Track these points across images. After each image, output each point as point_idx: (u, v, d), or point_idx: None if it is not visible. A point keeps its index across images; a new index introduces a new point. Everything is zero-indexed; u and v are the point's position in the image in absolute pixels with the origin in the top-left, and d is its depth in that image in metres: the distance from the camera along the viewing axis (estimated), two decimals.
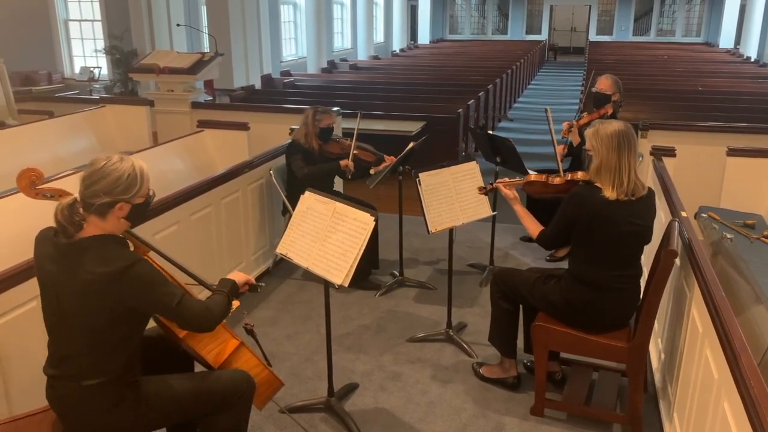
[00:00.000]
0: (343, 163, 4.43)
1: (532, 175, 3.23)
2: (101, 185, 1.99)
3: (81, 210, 2.01)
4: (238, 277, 2.37)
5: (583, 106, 5.09)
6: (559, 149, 4.61)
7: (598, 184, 2.81)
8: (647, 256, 3.13)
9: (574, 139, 4.68)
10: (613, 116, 4.63)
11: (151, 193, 2.12)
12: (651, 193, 2.90)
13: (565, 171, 3.26)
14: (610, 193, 2.76)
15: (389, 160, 4.49)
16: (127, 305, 1.99)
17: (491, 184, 3.39)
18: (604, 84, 4.69)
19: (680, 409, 2.72)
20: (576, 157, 4.75)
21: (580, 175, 2.98)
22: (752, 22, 16.70)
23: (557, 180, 3.11)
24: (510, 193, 3.21)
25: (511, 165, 4.62)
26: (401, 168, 4.45)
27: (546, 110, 4.24)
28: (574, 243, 2.95)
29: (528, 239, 5.36)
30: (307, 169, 4.36)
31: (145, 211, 2.15)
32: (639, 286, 2.96)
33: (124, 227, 2.11)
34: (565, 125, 4.69)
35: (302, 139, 4.44)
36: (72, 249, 1.99)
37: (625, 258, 2.86)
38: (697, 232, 3.47)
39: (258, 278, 4.62)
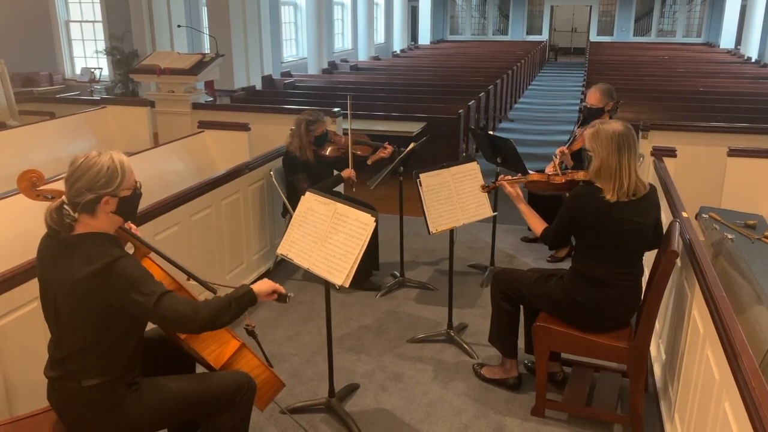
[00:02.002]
0: (345, 174, 4.39)
1: (535, 174, 3.24)
2: (83, 182, 1.98)
3: (70, 211, 2.01)
4: (263, 285, 2.25)
5: (582, 116, 5.08)
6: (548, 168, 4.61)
7: (598, 185, 2.81)
8: (648, 256, 3.13)
9: (568, 162, 4.63)
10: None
11: (137, 185, 2.11)
12: (653, 190, 2.90)
13: (565, 171, 3.27)
14: (610, 196, 2.76)
15: (387, 149, 4.46)
16: (110, 302, 1.97)
17: (494, 182, 3.40)
18: (593, 98, 4.63)
19: (681, 409, 2.72)
20: (576, 158, 4.74)
21: (580, 174, 2.99)
22: (753, 22, 16.69)
23: (558, 179, 3.12)
24: (513, 191, 3.21)
25: (511, 166, 4.62)
26: (402, 169, 4.44)
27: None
28: (577, 240, 2.97)
29: (529, 240, 5.36)
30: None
31: (134, 204, 2.13)
32: (640, 285, 2.96)
33: (117, 223, 2.11)
34: (557, 152, 4.53)
35: (297, 152, 4.38)
36: (63, 247, 1.99)
37: (626, 255, 2.87)
38: (698, 232, 3.46)
39: (258, 279, 4.60)
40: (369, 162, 4.51)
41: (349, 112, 4.43)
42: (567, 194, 3.04)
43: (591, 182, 2.85)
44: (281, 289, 2.30)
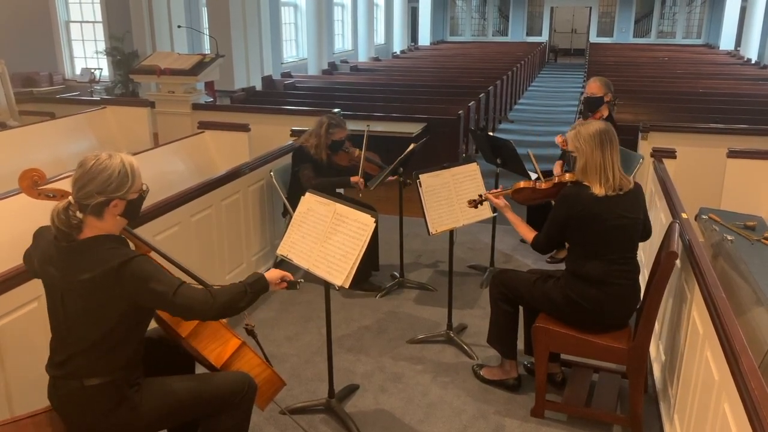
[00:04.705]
0: (354, 179, 4.40)
1: (520, 183, 3.24)
2: (93, 185, 1.99)
3: (77, 212, 2.01)
4: (272, 273, 2.33)
5: (581, 111, 5.11)
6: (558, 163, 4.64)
7: (586, 183, 2.86)
8: (647, 258, 3.14)
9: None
10: (610, 117, 4.63)
11: (144, 187, 2.12)
12: (638, 187, 2.96)
13: (550, 175, 3.30)
14: (598, 190, 2.82)
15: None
16: (127, 302, 2.00)
17: (480, 196, 3.40)
18: (593, 87, 4.68)
19: (681, 410, 2.72)
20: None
21: (567, 176, 3.03)
22: (753, 23, 16.70)
23: (544, 185, 3.14)
24: (500, 201, 3.28)
25: (511, 167, 4.62)
26: (401, 170, 4.45)
27: (529, 154, 4.20)
28: (569, 241, 2.98)
29: None
30: (316, 182, 4.26)
31: (139, 206, 2.15)
32: (637, 283, 2.98)
33: (122, 225, 2.12)
34: (558, 138, 4.60)
35: (312, 150, 4.41)
36: (72, 251, 2.00)
37: (619, 251, 2.89)
38: (697, 233, 3.47)
39: None
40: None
41: (365, 141, 4.43)
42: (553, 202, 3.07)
43: (578, 182, 2.90)
44: (289, 276, 2.36)
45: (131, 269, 1.97)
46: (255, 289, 2.20)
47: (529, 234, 3.12)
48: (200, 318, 2.16)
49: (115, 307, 2.00)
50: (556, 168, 4.69)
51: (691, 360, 2.60)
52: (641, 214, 2.96)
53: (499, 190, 3.37)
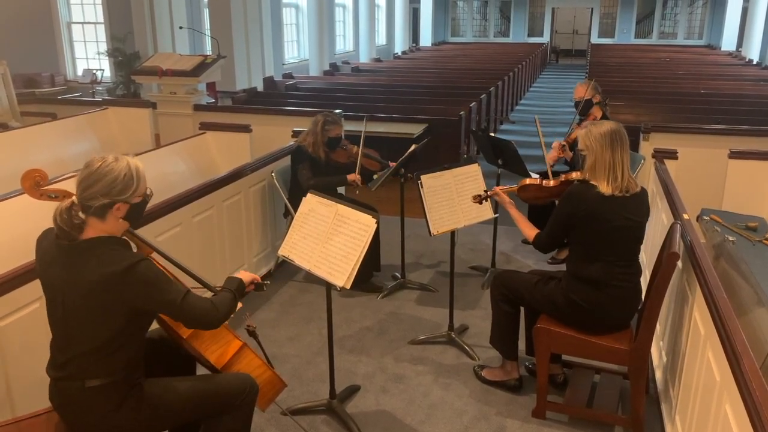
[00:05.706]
0: (350, 177, 4.42)
1: (527, 179, 3.24)
2: (98, 187, 1.99)
3: (79, 213, 2.01)
4: (243, 276, 2.39)
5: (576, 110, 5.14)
6: (552, 155, 4.62)
7: (593, 182, 2.85)
8: (649, 258, 3.14)
9: (567, 156, 4.66)
10: (604, 117, 4.64)
11: (148, 192, 2.13)
12: (644, 191, 2.95)
13: (556, 176, 3.30)
14: (605, 189, 2.81)
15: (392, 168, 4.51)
16: (131, 306, 2.00)
17: (486, 191, 3.42)
18: (580, 92, 4.76)
19: (682, 411, 2.72)
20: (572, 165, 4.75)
21: (574, 175, 3.03)
22: (754, 24, 16.68)
23: (551, 183, 3.14)
24: (505, 197, 3.27)
25: (512, 167, 4.62)
26: (403, 170, 4.45)
27: (535, 119, 4.24)
28: (571, 241, 2.97)
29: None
30: (314, 181, 4.29)
31: (142, 210, 2.16)
32: (639, 285, 2.97)
33: (124, 227, 2.12)
34: (555, 145, 4.59)
35: (310, 148, 4.44)
36: (75, 251, 1.99)
37: (620, 254, 2.88)
38: (699, 234, 3.47)
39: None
40: (375, 177, 4.54)
41: (362, 139, 4.44)
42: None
43: (585, 180, 2.89)
44: (257, 278, 2.47)
45: (138, 273, 1.97)
46: (240, 294, 2.30)
47: (531, 232, 3.11)
48: (202, 327, 2.18)
49: (118, 310, 1.99)
50: (553, 152, 4.66)
51: (693, 361, 2.59)
52: (645, 218, 2.94)
53: (504, 187, 3.37)
